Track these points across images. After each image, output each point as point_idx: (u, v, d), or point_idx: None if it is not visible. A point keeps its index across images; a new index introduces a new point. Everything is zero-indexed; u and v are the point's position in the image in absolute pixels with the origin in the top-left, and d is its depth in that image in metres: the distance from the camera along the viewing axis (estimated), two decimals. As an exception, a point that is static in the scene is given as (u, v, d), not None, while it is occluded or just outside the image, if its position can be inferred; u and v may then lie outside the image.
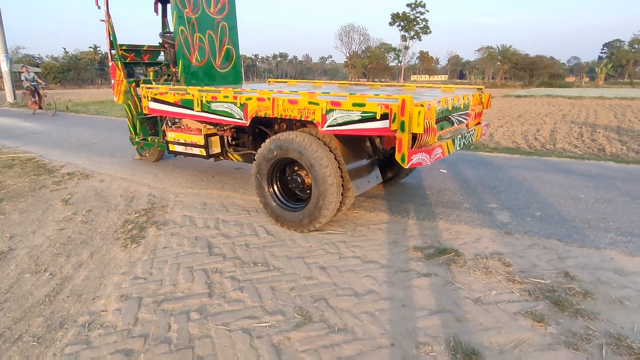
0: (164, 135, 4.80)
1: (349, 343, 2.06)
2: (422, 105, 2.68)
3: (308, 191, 3.45)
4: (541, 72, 53.10)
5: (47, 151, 7.10)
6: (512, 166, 5.73)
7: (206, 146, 4.22)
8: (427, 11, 64.78)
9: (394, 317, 2.26)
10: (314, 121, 3.06)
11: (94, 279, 2.78)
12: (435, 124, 3.06)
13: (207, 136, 4.22)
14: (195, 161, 5.89)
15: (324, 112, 2.98)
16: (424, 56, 75.47)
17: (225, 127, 4.21)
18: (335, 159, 3.18)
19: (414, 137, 2.82)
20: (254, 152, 4.08)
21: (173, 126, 4.62)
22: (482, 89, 4.17)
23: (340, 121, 2.93)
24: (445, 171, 5.36)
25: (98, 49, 55.93)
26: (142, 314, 2.32)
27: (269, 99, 3.28)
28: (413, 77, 78.29)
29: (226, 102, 3.59)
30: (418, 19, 64.25)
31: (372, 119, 2.78)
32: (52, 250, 3.23)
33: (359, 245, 3.18)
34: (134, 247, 3.23)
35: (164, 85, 4.35)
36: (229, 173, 5.39)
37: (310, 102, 3.05)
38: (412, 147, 2.80)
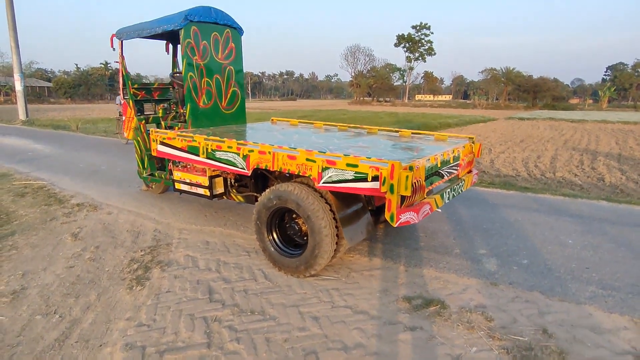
0: (171, 173, 5.04)
1: (335, 400, 2.22)
2: (410, 169, 2.89)
3: (305, 238, 3.65)
4: (544, 94, 53.52)
5: (58, 178, 7.37)
6: (506, 205, 5.90)
7: (210, 187, 4.45)
8: (432, 33, 66.10)
9: (379, 373, 2.42)
10: (311, 177, 3.28)
11: (100, 323, 2.96)
12: (425, 180, 3.26)
13: (211, 177, 4.45)
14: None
15: (320, 170, 3.20)
16: (428, 76, 76.43)
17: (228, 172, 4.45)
18: (330, 210, 3.38)
19: (403, 196, 3.02)
20: (255, 194, 4.31)
21: (179, 165, 4.87)
22: (473, 138, 4.39)
23: (335, 179, 3.14)
24: (440, 211, 5.55)
25: (109, 65, 57.24)
26: (145, 364, 2.50)
27: (269, 152, 3.51)
28: (418, 97, 79.13)
29: (230, 152, 3.82)
30: (423, 41, 65.43)
31: (364, 179, 2.99)
32: (62, 290, 3.43)
33: (351, 293, 3.35)
34: (139, 289, 3.42)
35: (171, 131, 4.60)
36: (232, 209, 5.60)
37: (307, 159, 3.27)
38: (400, 206, 3.00)
